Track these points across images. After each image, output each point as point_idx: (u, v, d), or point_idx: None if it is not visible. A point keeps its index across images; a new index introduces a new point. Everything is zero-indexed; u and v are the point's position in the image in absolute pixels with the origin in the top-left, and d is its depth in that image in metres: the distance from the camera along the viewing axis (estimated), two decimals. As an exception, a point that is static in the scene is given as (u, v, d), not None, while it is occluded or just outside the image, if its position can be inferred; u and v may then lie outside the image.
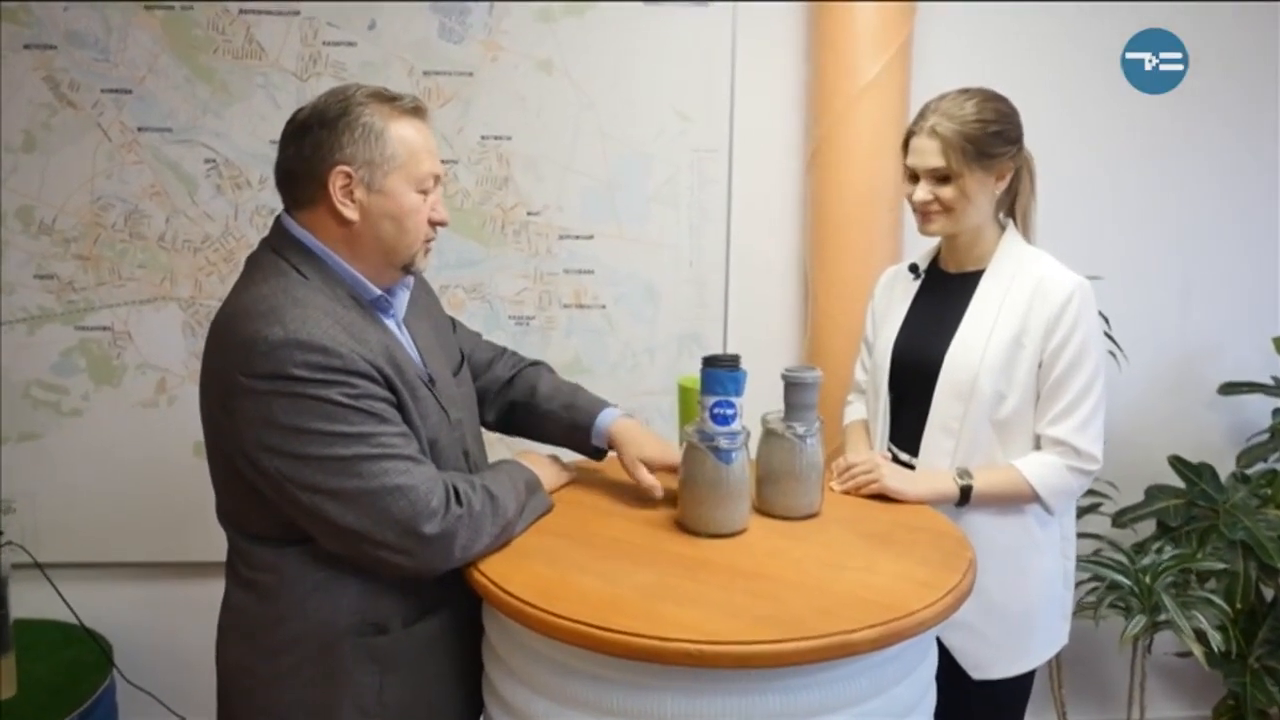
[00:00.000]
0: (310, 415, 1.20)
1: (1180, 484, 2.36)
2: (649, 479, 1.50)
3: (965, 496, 1.60)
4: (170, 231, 2.26)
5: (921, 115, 1.64)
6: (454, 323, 1.66)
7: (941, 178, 1.61)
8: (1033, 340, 1.60)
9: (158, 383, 2.31)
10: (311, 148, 1.29)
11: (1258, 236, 2.43)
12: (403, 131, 1.30)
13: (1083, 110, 2.34)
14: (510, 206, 2.31)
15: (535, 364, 1.69)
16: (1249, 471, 2.38)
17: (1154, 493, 2.37)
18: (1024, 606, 1.67)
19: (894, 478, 1.59)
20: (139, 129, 2.22)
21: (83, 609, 2.21)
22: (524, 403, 1.63)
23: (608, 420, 1.57)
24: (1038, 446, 1.64)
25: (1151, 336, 2.40)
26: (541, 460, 1.57)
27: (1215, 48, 2.34)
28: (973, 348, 1.62)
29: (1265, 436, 2.39)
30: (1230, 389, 2.41)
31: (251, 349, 1.20)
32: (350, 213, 1.29)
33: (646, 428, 1.60)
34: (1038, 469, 1.60)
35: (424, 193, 1.33)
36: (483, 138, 2.28)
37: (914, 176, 1.65)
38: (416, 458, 1.26)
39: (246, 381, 1.20)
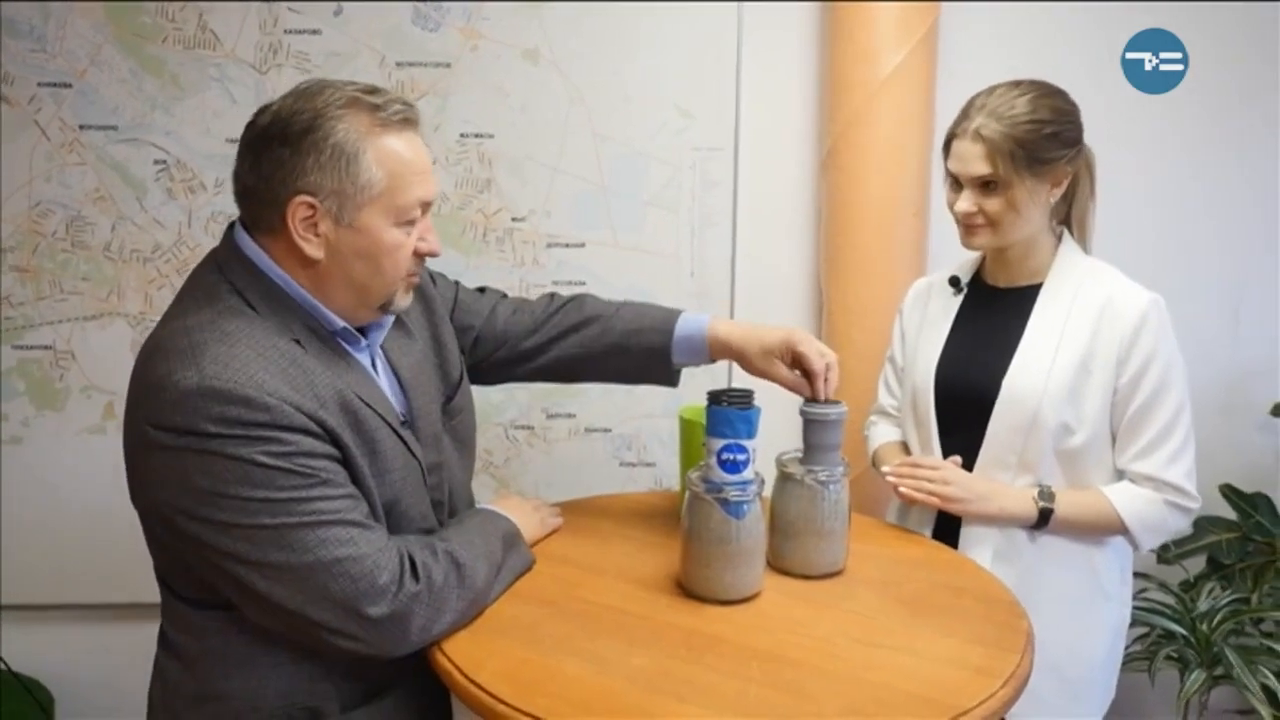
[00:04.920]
0: (228, 479, 0.99)
1: (1233, 515, 2.16)
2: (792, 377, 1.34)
3: (1044, 520, 1.43)
4: (116, 240, 2.07)
5: (965, 114, 1.44)
6: (457, 292, 1.43)
7: (987, 185, 1.42)
8: (1103, 366, 1.42)
9: (105, 407, 2.11)
10: (270, 166, 1.07)
11: (1315, 247, 2.23)
12: (385, 152, 1.07)
13: (1126, 110, 2.12)
14: (493, 212, 2.12)
15: (573, 300, 1.47)
16: (1308, 502, 2.17)
17: (1204, 525, 2.16)
18: (1087, 660, 1.50)
19: (968, 494, 1.43)
20: (81, 127, 2.03)
21: (19, 656, 2.08)
22: (575, 355, 1.42)
23: (700, 332, 1.37)
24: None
25: (1199, 355, 2.16)
26: (521, 505, 1.36)
27: (1268, 50, 2.14)
28: (1034, 373, 1.44)
29: (1324, 463, 2.19)
30: (1285, 410, 2.20)
31: (159, 396, 1.00)
32: (313, 250, 1.08)
33: (761, 332, 1.37)
34: (1130, 500, 1.43)
35: (409, 223, 1.11)
36: (462, 136, 2.09)
37: (957, 184, 1.46)
38: (363, 523, 1.05)
39: (154, 434, 1.00)
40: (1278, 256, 2.22)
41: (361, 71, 2.02)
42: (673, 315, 1.41)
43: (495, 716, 0.99)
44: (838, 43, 2.03)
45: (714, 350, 1.38)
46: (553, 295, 1.49)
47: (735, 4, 2.08)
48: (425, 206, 1.13)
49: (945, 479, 1.44)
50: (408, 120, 1.10)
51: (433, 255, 1.16)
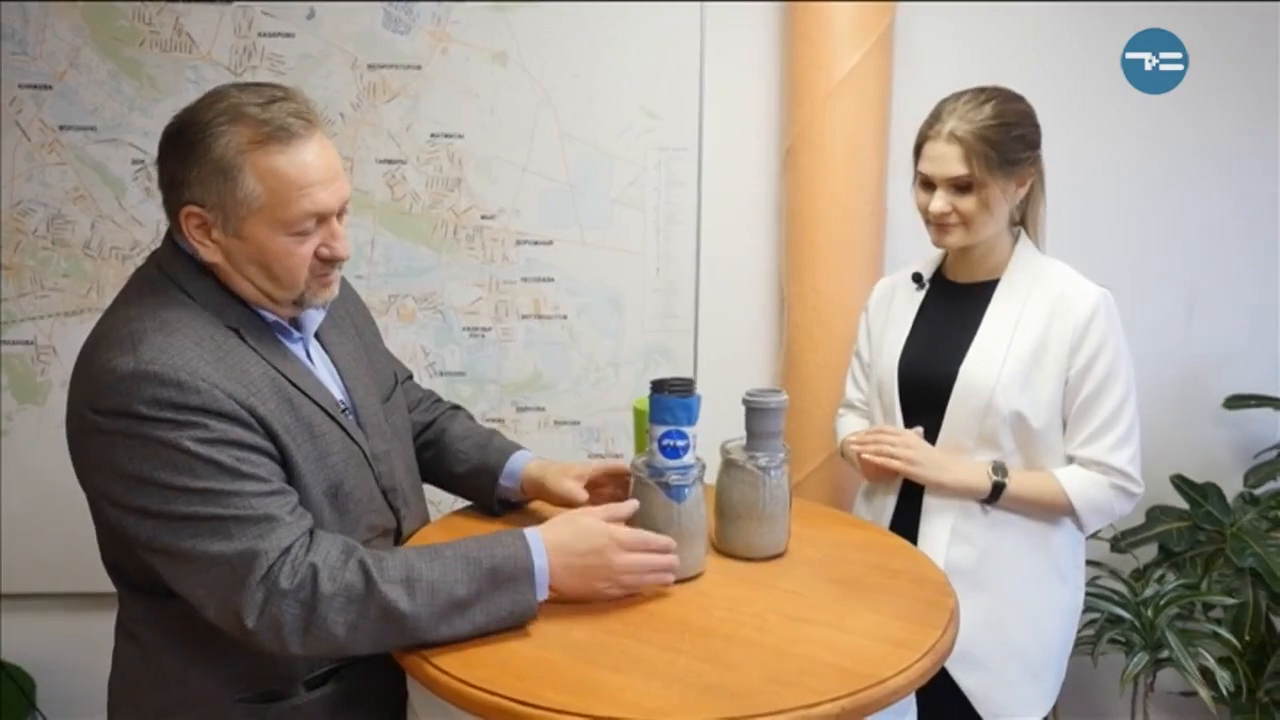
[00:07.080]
0: (154, 463, 1.02)
1: (1184, 505, 2.22)
2: (581, 494, 1.37)
3: (996, 494, 1.50)
4: (96, 238, 2.12)
5: (936, 118, 1.51)
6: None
7: (962, 187, 1.49)
8: (1055, 357, 1.49)
9: (85, 400, 2.15)
10: (167, 176, 1.11)
11: (1265, 243, 2.28)
12: (265, 167, 1.07)
13: (1079, 109, 2.19)
14: (463, 210, 2.17)
15: (455, 408, 1.57)
16: (1257, 492, 2.23)
17: (1156, 514, 2.22)
18: (1045, 640, 1.56)
19: (926, 460, 1.51)
20: (60, 127, 2.09)
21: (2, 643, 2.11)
22: (434, 442, 1.48)
23: (521, 461, 1.43)
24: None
25: (1153, 347, 2.25)
26: (572, 524, 1.19)
27: (1222, 47, 2.19)
28: (989, 363, 1.51)
29: (1274, 454, 2.25)
30: (1237, 402, 2.26)
31: (99, 381, 1.05)
32: (208, 255, 1.11)
33: (565, 463, 1.44)
34: (1079, 483, 1.50)
35: (301, 234, 1.11)
36: (432, 136, 2.14)
37: (928, 184, 1.52)
38: (273, 517, 1.06)
39: (92, 418, 1.05)
40: (1231, 252, 2.28)
41: (334, 74, 2.08)
42: (515, 447, 1.47)
43: (440, 687, 1.05)
44: (796, 43, 2.08)
45: (525, 483, 1.42)
46: (441, 399, 1.58)
47: (698, 4, 2.13)
48: (321, 217, 1.12)
49: (907, 443, 1.52)
50: (294, 133, 1.08)
51: (337, 260, 1.15)
